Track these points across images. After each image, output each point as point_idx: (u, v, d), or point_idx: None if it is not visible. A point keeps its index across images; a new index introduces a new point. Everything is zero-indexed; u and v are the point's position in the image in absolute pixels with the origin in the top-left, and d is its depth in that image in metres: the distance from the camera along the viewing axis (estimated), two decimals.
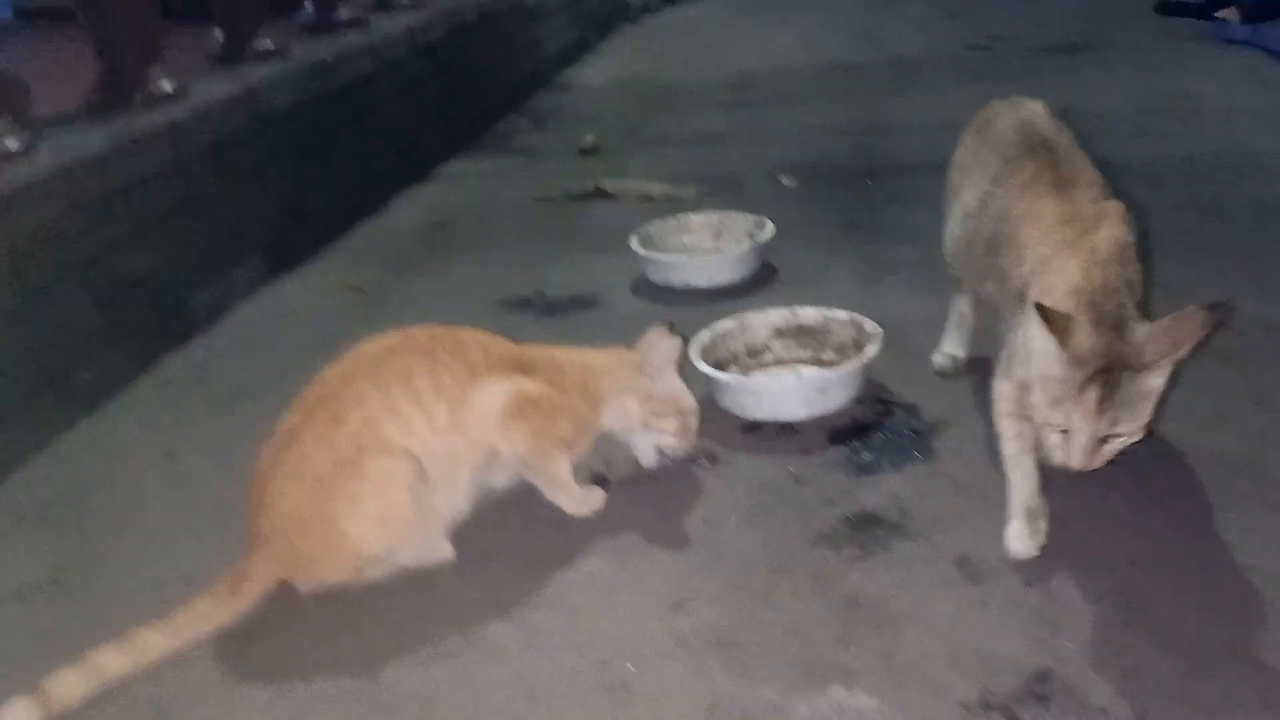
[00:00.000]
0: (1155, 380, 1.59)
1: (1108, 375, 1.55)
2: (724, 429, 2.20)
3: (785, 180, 3.73)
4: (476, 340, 1.93)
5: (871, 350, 2.23)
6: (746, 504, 1.95)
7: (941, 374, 2.32)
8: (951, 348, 2.33)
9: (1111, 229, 1.76)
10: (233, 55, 3.48)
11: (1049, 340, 1.58)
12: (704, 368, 2.24)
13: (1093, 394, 1.55)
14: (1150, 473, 1.90)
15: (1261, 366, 2.23)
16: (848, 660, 1.56)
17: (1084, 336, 1.58)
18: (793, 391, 2.22)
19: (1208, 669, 1.47)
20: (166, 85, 3.00)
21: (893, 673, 1.52)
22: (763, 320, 2.46)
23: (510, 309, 2.91)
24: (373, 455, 1.74)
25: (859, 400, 2.24)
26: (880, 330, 2.28)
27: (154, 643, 1.64)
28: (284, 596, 1.77)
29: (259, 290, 3.15)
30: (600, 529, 1.92)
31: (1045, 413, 1.62)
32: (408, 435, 1.78)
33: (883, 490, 1.95)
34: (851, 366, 2.21)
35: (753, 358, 2.44)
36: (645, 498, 2.01)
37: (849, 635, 1.61)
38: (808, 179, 3.73)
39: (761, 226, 3.00)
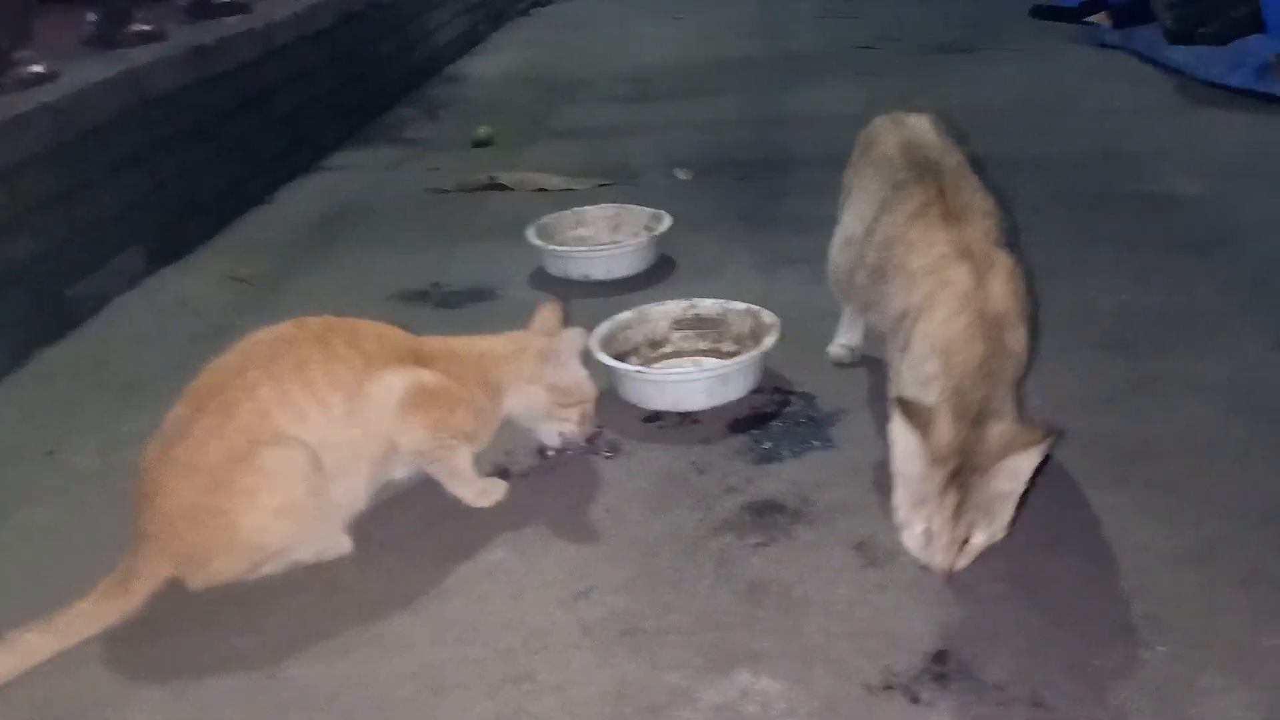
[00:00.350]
0: (1002, 483, 1.51)
1: (963, 477, 1.49)
2: (625, 419, 2.20)
3: (681, 174, 3.75)
4: (372, 331, 1.89)
5: (770, 340, 2.26)
6: (649, 493, 1.96)
7: (839, 364, 2.36)
8: (846, 338, 2.37)
9: (1001, 285, 1.70)
10: (108, 38, 3.33)
11: (910, 436, 1.52)
12: (604, 359, 2.24)
13: (951, 498, 1.49)
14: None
15: (1143, 352, 2.32)
16: (753, 644, 1.57)
17: (944, 430, 1.52)
18: (693, 381, 2.24)
19: (1102, 645, 1.52)
20: (38, 67, 2.86)
21: (797, 656, 1.54)
22: (662, 312, 2.47)
23: (406, 301, 2.86)
24: (267, 446, 1.69)
25: (758, 390, 2.27)
26: (778, 320, 2.32)
27: (37, 645, 1.57)
28: (174, 594, 1.71)
29: (143, 280, 3.04)
30: (503, 520, 1.91)
31: (907, 513, 1.55)
32: (302, 427, 1.73)
33: (783, 478, 1.97)
34: (751, 356, 2.24)
35: (653, 349, 2.45)
36: (548, 488, 2.00)
37: (754, 620, 1.62)
38: (705, 172, 3.76)
39: (659, 219, 3.01)
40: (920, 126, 2.08)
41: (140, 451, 1.73)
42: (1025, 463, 1.50)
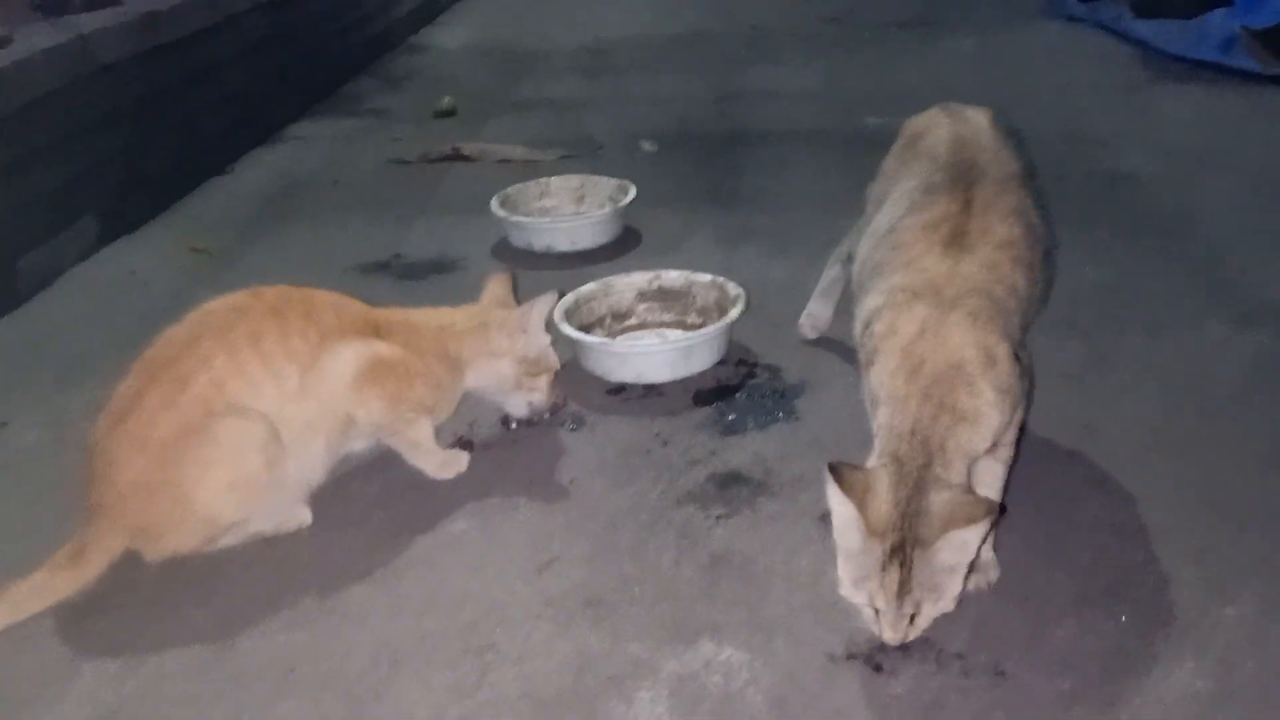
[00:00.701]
0: (947, 557, 1.37)
1: (904, 552, 1.36)
2: (589, 391, 2.19)
3: (646, 146, 3.73)
4: (328, 302, 1.86)
5: (735, 312, 2.25)
6: (613, 465, 1.95)
7: (805, 336, 2.34)
8: (817, 308, 2.34)
9: (959, 334, 1.47)
10: (58, 3, 3.23)
11: (845, 506, 1.38)
12: (568, 330, 2.22)
13: (893, 575, 1.36)
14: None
15: (1099, 330, 2.34)
16: (716, 616, 1.57)
17: (882, 501, 1.38)
18: (657, 354, 2.22)
19: (1058, 617, 1.53)
20: None
21: (760, 627, 1.54)
22: (627, 283, 2.45)
23: (366, 273, 2.82)
24: (221, 418, 1.65)
25: (723, 362, 2.26)
26: (743, 292, 2.31)
27: None
28: (129, 567, 1.68)
29: (96, 253, 2.98)
30: (464, 492, 1.89)
31: (849, 590, 1.42)
32: (257, 398, 1.70)
33: (747, 450, 1.97)
34: (715, 329, 2.22)
35: (617, 321, 2.43)
36: (510, 461, 1.99)
37: (717, 592, 1.62)
38: (668, 145, 3.74)
39: (624, 191, 2.99)
40: (977, 123, 1.86)
41: (92, 424, 1.69)
42: (970, 537, 1.36)
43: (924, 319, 1.50)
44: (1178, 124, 3.70)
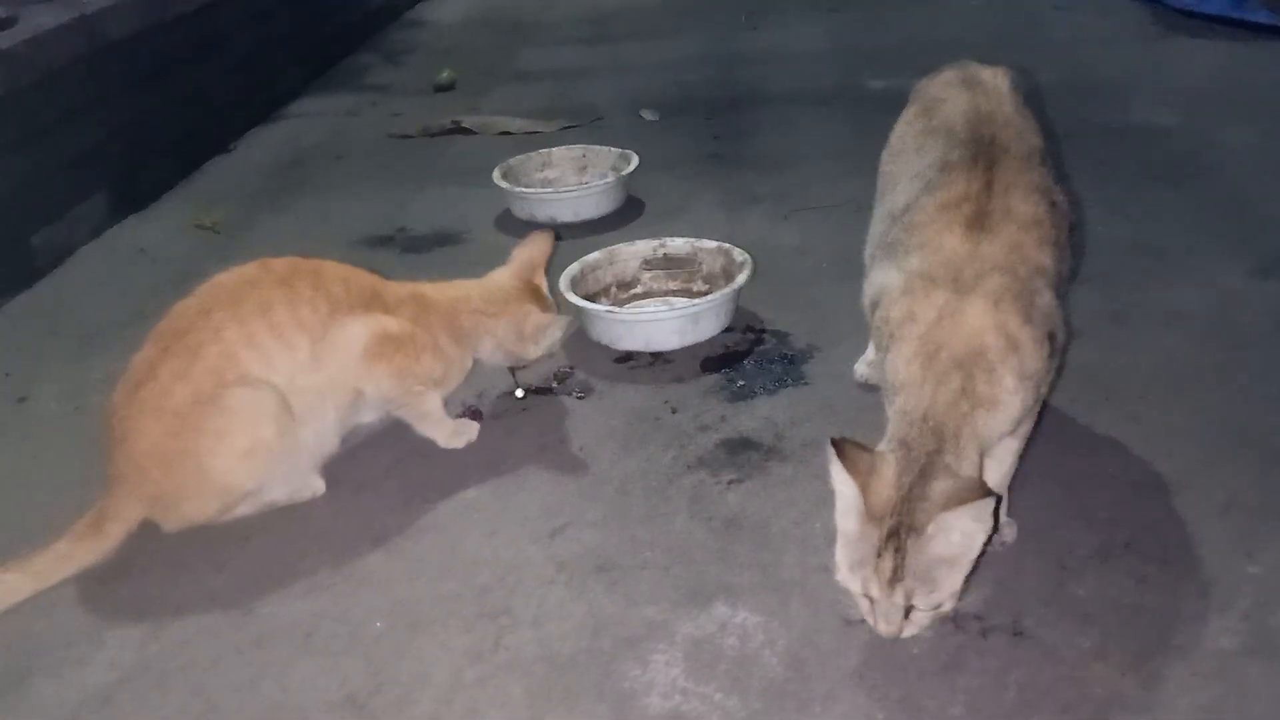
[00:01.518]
0: (940, 547, 1.29)
1: (899, 539, 1.29)
2: (596, 360, 2.18)
3: (647, 114, 3.70)
4: (338, 274, 1.85)
5: (742, 278, 2.24)
6: (623, 432, 1.95)
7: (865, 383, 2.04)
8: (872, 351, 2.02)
9: (978, 318, 1.41)
10: None
11: (849, 487, 1.32)
12: (574, 299, 2.22)
13: (887, 562, 1.30)
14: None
15: (1116, 284, 2.33)
16: (730, 579, 1.57)
17: (885, 485, 1.33)
18: (665, 321, 2.21)
19: (1078, 574, 1.53)
20: None
21: (775, 589, 1.55)
22: (632, 252, 2.44)
23: (371, 246, 2.82)
24: (234, 388, 1.66)
25: (730, 329, 2.25)
26: (749, 258, 2.30)
27: (14, 585, 1.58)
28: (148, 537, 1.70)
29: (106, 230, 3.01)
30: (476, 460, 1.89)
31: (845, 575, 1.35)
32: (268, 368, 1.70)
33: (757, 415, 1.97)
34: (722, 295, 2.22)
35: (623, 290, 2.42)
36: (520, 429, 1.99)
37: (730, 555, 1.62)
38: (670, 113, 3.72)
39: (627, 160, 2.97)
40: (996, 89, 1.74)
41: (107, 395, 1.71)
42: (958, 522, 1.28)
43: (942, 305, 1.43)
44: (1191, 76, 3.66)
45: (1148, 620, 1.44)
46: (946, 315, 1.42)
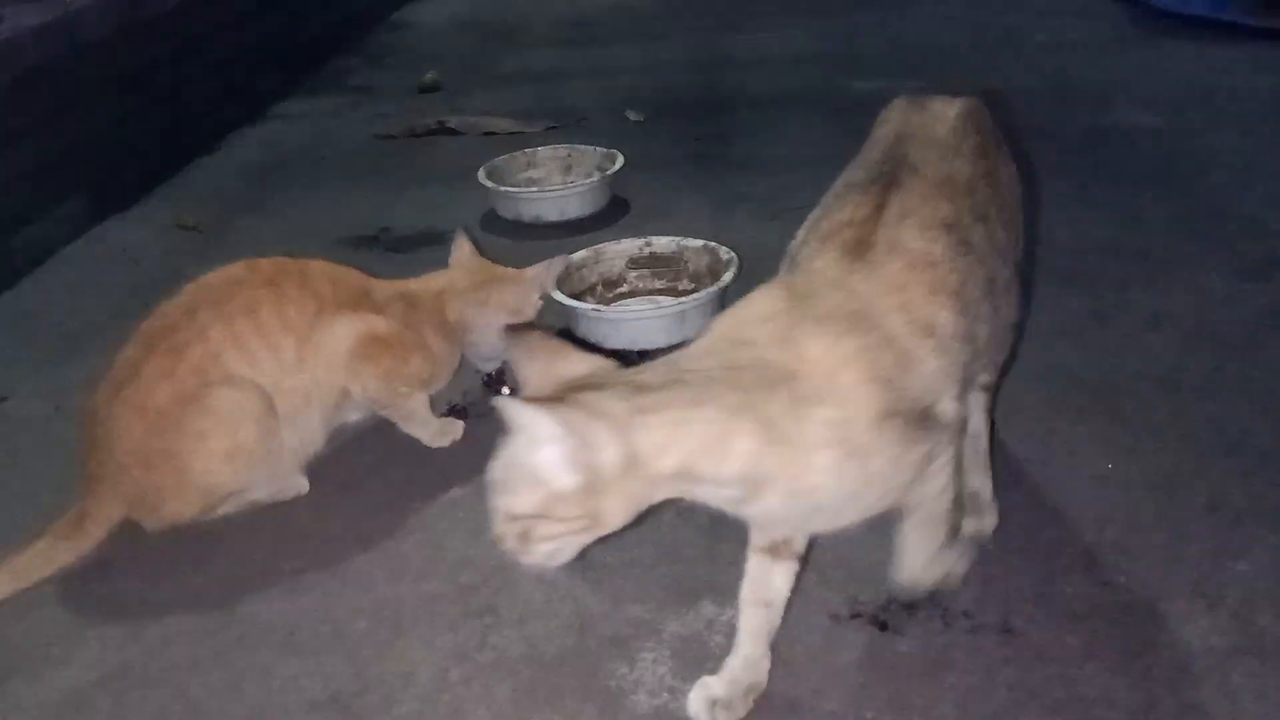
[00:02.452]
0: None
1: None
2: None
3: (632, 115, 3.70)
4: (326, 273, 1.84)
5: (728, 276, 2.23)
6: None
7: None
8: None
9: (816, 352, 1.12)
10: None
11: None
12: (561, 297, 2.20)
13: None
14: (999, 390, 1.96)
15: (1101, 285, 2.33)
16: (717, 577, 1.56)
17: None
18: (652, 319, 2.21)
19: (1066, 573, 1.52)
20: None
21: None
22: (617, 250, 2.43)
23: (355, 246, 2.80)
24: (217, 388, 1.65)
25: None
26: (736, 256, 2.29)
27: None
28: (130, 535, 1.69)
29: (86, 230, 2.98)
30: (460, 459, 1.88)
31: None
32: (253, 369, 1.69)
33: None
34: (709, 293, 2.21)
35: (609, 289, 2.41)
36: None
37: (717, 555, 1.61)
38: (654, 114, 3.71)
39: (612, 160, 2.97)
40: (940, 116, 1.50)
41: (88, 395, 1.70)
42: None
43: (775, 309, 1.18)
44: (1172, 78, 3.68)
45: (1136, 619, 1.44)
46: (773, 320, 1.17)
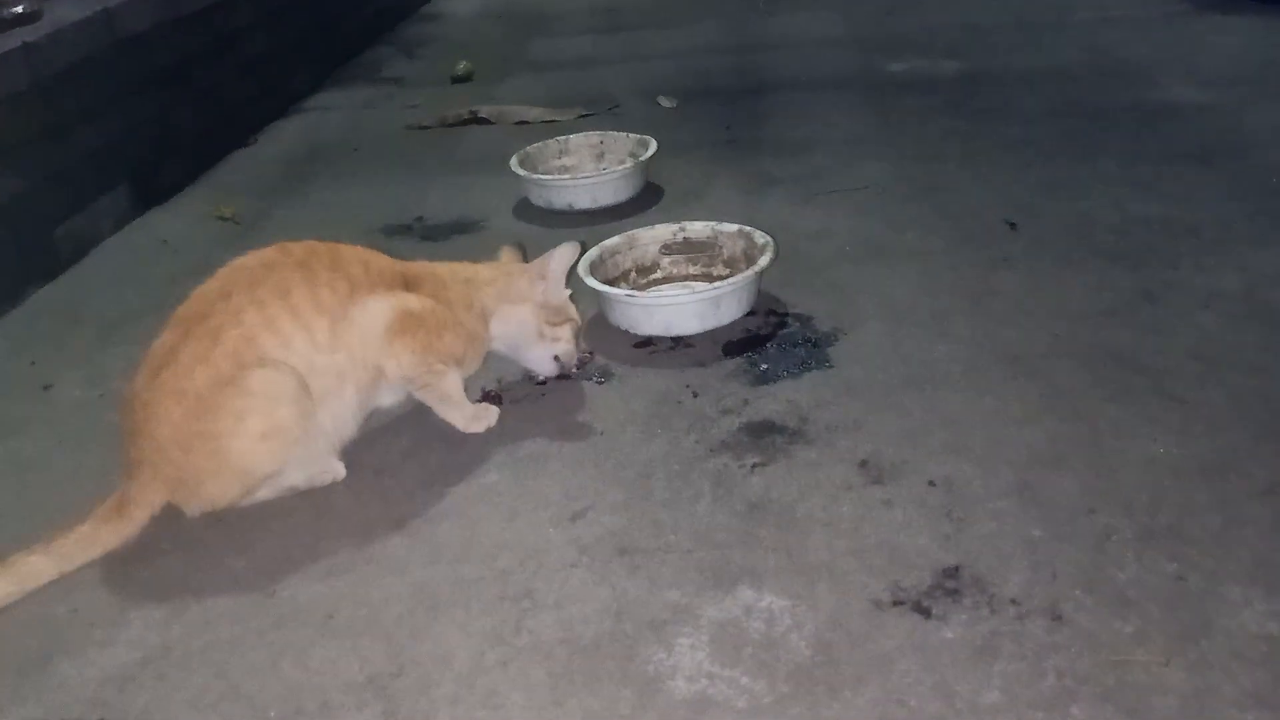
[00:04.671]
0: None
1: None
2: (615, 345, 2.16)
3: (664, 101, 3.67)
4: (356, 256, 1.84)
5: (764, 261, 2.20)
6: (643, 416, 1.92)
7: None
8: None
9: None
10: None
11: None
12: (594, 283, 2.19)
13: None
14: (1045, 370, 1.93)
15: (1149, 263, 2.28)
16: (755, 563, 1.54)
17: None
18: (685, 305, 2.18)
19: (1117, 559, 1.48)
20: (19, 8, 2.80)
21: (801, 573, 1.51)
22: (651, 236, 2.41)
23: (389, 235, 2.80)
24: (253, 369, 1.64)
25: (752, 313, 2.22)
26: (771, 240, 2.26)
27: (38, 568, 1.58)
28: (170, 520, 1.70)
29: (128, 222, 3.03)
30: (495, 444, 1.87)
31: None
32: (288, 352, 1.69)
33: (780, 399, 1.93)
34: (744, 277, 2.18)
35: (642, 275, 2.39)
36: (539, 414, 1.96)
37: (755, 539, 1.59)
38: (687, 99, 3.69)
39: (645, 145, 2.94)
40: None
41: (128, 382, 1.71)
42: None
43: None
44: (1222, 53, 3.60)
45: (1191, 605, 1.39)
46: None
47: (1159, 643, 1.34)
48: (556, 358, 2.00)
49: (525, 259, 2.08)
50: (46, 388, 2.21)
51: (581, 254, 2.13)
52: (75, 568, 1.61)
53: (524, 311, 1.96)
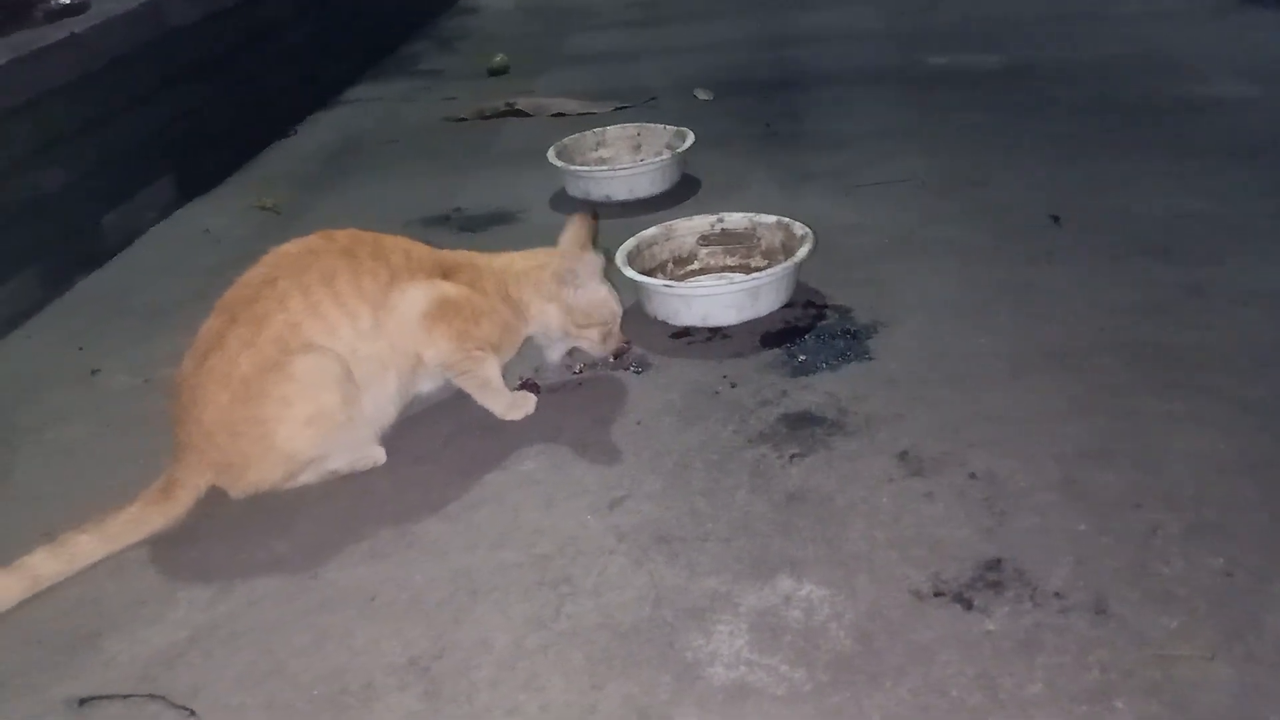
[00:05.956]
0: None
1: None
2: (653, 336, 2.16)
3: (701, 94, 3.67)
4: (398, 245, 1.86)
5: (803, 252, 2.19)
6: (681, 406, 1.92)
7: None
8: None
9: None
10: None
11: None
12: (631, 274, 2.19)
13: None
14: (1089, 365, 1.91)
15: (1194, 258, 2.25)
16: (794, 552, 1.54)
17: None
18: (723, 295, 2.18)
19: (1163, 554, 1.47)
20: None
21: (841, 563, 1.51)
22: (689, 227, 2.41)
23: (427, 225, 2.82)
24: (299, 355, 1.67)
25: (790, 304, 2.21)
26: (810, 231, 2.25)
27: (87, 547, 1.61)
28: (215, 503, 1.73)
29: (172, 211, 3.08)
30: (533, 432, 1.88)
31: None
32: (331, 337, 1.71)
33: (819, 390, 1.92)
34: (783, 268, 2.17)
35: (679, 266, 2.39)
36: (577, 403, 1.97)
37: (793, 529, 1.58)
38: (724, 92, 3.68)
39: (682, 137, 2.94)
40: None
41: (174, 368, 1.74)
42: None
43: None
44: (1266, 49, 3.54)
45: (1238, 601, 1.37)
46: None
47: (1205, 638, 1.32)
48: (578, 350, 2.04)
49: (597, 229, 2.07)
50: (94, 373, 2.24)
51: (597, 233, 2.10)
52: (123, 547, 1.64)
53: (550, 310, 1.96)
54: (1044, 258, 2.32)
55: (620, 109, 3.57)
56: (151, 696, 1.40)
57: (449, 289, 1.84)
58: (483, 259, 1.96)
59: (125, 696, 1.40)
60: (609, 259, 2.09)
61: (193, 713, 1.37)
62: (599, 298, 1.97)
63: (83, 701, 1.40)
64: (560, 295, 1.95)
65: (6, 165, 2.45)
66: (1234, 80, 3.27)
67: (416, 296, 1.80)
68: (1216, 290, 2.12)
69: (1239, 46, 3.59)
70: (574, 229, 2.03)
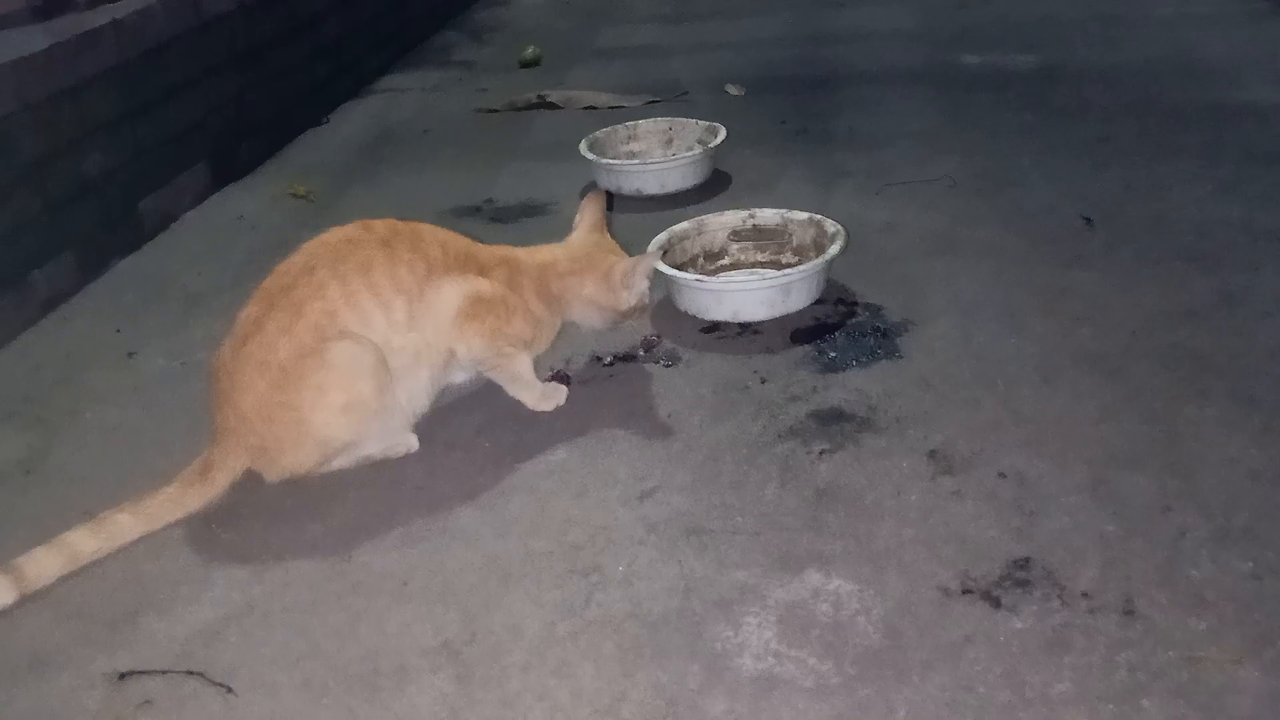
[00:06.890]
0: None
1: None
2: (683, 330, 2.17)
3: (733, 90, 3.67)
4: (435, 237, 1.87)
5: (834, 249, 2.20)
6: (710, 400, 1.93)
7: None
8: None
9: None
10: None
11: None
12: (663, 268, 2.19)
13: None
14: (1121, 369, 1.91)
15: (1228, 264, 2.24)
16: (822, 547, 1.55)
17: None
18: (755, 290, 2.18)
19: (1192, 557, 1.47)
20: None
21: (869, 559, 1.51)
22: (720, 222, 2.41)
23: (459, 216, 2.84)
24: (335, 343, 1.69)
25: (821, 301, 2.22)
26: (842, 229, 2.25)
27: (126, 526, 1.63)
28: (251, 487, 1.75)
29: (208, 198, 3.10)
30: (564, 423, 1.89)
31: None
32: (366, 327, 1.73)
33: (849, 387, 1.93)
34: (814, 265, 2.18)
35: (710, 261, 2.40)
36: (608, 395, 1.98)
37: (822, 524, 1.59)
38: (755, 89, 3.68)
39: (713, 133, 2.95)
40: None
41: (210, 352, 1.76)
42: None
43: None
44: None
45: (1267, 605, 1.37)
46: None
47: (1233, 641, 1.33)
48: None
49: (609, 208, 2.08)
50: (131, 355, 2.27)
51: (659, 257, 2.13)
52: (161, 526, 1.66)
53: (593, 311, 1.99)
54: (1077, 261, 2.31)
55: (651, 103, 3.58)
56: (190, 673, 1.42)
57: (484, 287, 1.85)
58: (523, 254, 1.97)
59: (164, 672, 1.43)
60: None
61: (230, 689, 1.39)
62: (643, 289, 2.00)
63: (123, 676, 1.43)
64: (613, 301, 1.96)
65: (50, 149, 2.48)
66: (1269, 86, 3.24)
67: (450, 293, 1.81)
68: (1251, 297, 2.10)
69: (1273, 52, 3.56)
70: (590, 209, 2.06)
